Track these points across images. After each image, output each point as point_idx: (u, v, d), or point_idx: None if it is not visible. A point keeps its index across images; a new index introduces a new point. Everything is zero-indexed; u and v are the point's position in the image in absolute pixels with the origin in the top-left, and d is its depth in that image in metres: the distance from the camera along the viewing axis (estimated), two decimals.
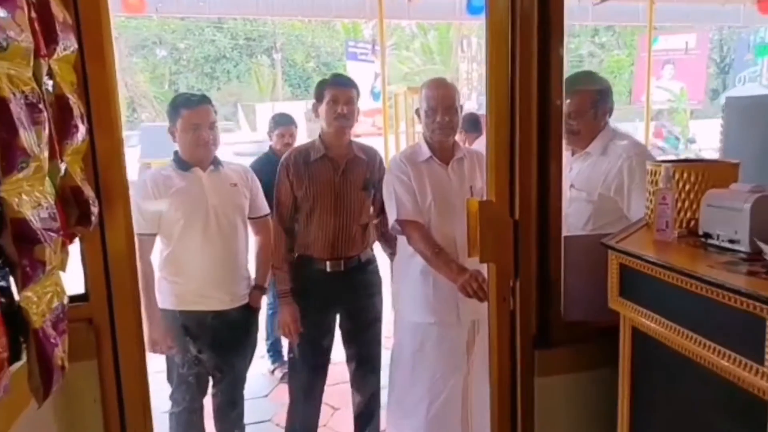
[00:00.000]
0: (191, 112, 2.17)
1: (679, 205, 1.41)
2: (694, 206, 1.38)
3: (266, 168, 3.13)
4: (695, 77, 17.14)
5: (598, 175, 2.04)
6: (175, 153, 2.27)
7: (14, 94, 0.89)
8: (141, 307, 1.42)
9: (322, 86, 2.34)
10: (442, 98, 2.14)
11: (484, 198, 1.66)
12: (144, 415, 1.42)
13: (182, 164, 2.23)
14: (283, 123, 3.55)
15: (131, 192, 1.97)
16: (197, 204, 2.19)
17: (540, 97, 1.57)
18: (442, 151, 2.22)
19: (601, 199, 2.02)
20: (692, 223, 1.38)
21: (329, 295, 2.35)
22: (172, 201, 2.16)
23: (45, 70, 1.08)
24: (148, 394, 1.41)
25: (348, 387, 2.63)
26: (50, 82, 1.14)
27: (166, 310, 2.20)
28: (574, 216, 2.08)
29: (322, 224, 2.29)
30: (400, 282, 2.31)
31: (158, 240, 2.23)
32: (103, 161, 1.32)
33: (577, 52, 22.97)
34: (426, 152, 2.22)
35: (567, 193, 2.10)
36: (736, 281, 1.02)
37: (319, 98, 2.34)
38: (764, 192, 1.21)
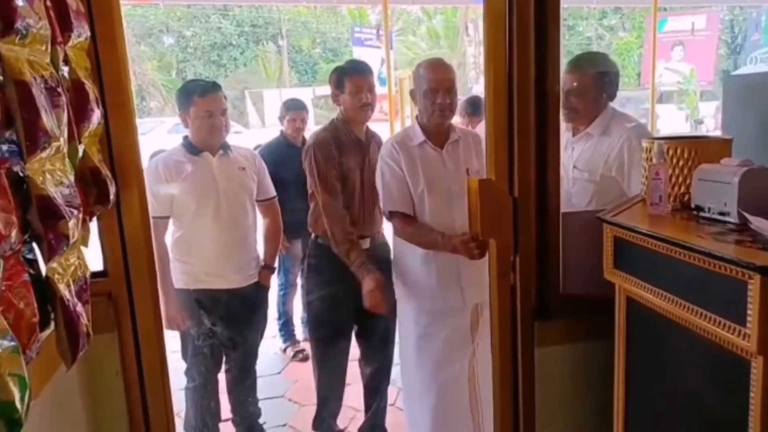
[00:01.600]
0: (204, 100, 2.23)
1: (673, 180, 1.45)
2: (687, 181, 1.42)
3: (277, 151, 3.21)
4: (705, 58, 16.95)
5: (600, 155, 2.05)
6: (185, 138, 2.35)
7: (35, 79, 0.95)
8: (157, 283, 1.48)
9: (341, 75, 2.33)
10: (442, 80, 2.06)
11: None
12: (163, 385, 1.49)
13: (192, 149, 2.30)
14: (294, 108, 3.60)
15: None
16: (208, 188, 2.26)
17: (537, 79, 1.61)
18: (437, 134, 2.16)
19: (603, 179, 2.04)
20: (686, 197, 1.43)
21: (351, 276, 2.26)
22: (183, 185, 2.23)
23: (62, 56, 1.14)
24: (166, 365, 1.49)
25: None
26: (66, 68, 1.20)
27: (179, 290, 2.28)
28: (578, 197, 2.10)
29: (352, 204, 2.32)
30: (401, 269, 2.27)
31: (170, 222, 2.30)
32: (118, 144, 1.38)
33: (585, 35, 22.74)
34: (419, 136, 2.15)
35: (570, 173, 2.13)
36: (722, 249, 1.07)
37: (339, 87, 2.33)
38: (752, 166, 1.25)
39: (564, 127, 2.14)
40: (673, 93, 16.79)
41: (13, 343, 0.77)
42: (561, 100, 1.85)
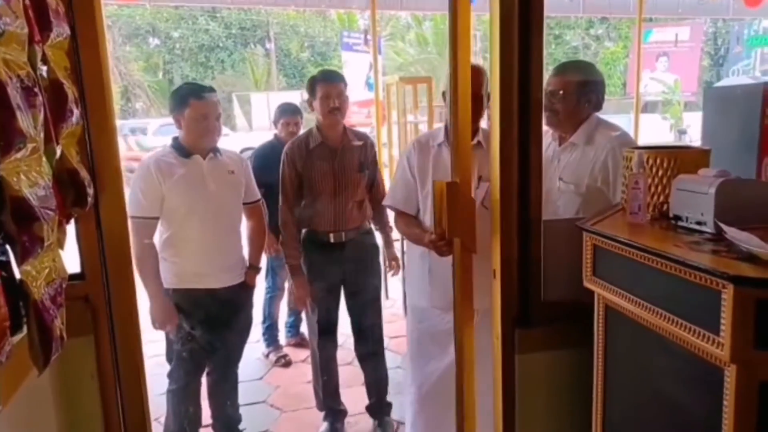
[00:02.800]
0: (200, 102, 2.24)
1: (653, 189, 1.47)
2: (666, 190, 1.44)
3: (271, 154, 3.21)
4: (689, 69, 17.23)
5: (585, 166, 2.03)
6: (175, 139, 2.34)
7: (11, 78, 0.94)
8: (135, 285, 1.47)
9: (313, 82, 2.58)
10: (476, 85, 1.92)
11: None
12: (140, 389, 1.47)
13: (183, 151, 2.30)
14: (289, 112, 3.64)
15: (133, 176, 2.04)
16: (198, 190, 2.27)
17: (521, 86, 1.62)
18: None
19: (589, 190, 2.02)
20: (664, 206, 1.45)
21: (333, 261, 2.63)
22: (173, 187, 2.23)
23: (39, 56, 1.12)
24: (143, 368, 1.47)
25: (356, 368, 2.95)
26: (44, 68, 1.18)
27: (167, 289, 2.28)
28: (564, 209, 2.07)
29: (324, 202, 2.58)
30: (407, 265, 2.44)
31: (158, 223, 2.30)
32: (97, 145, 1.36)
33: (572, 44, 22.98)
34: (442, 136, 2.18)
35: (556, 185, 2.13)
36: (697, 259, 1.08)
37: (311, 93, 2.58)
38: (728, 177, 1.27)
39: (551, 137, 2.15)
40: (657, 103, 17.04)
41: None
42: (543, 102, 1.82)
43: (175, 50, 20.37)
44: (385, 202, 2.38)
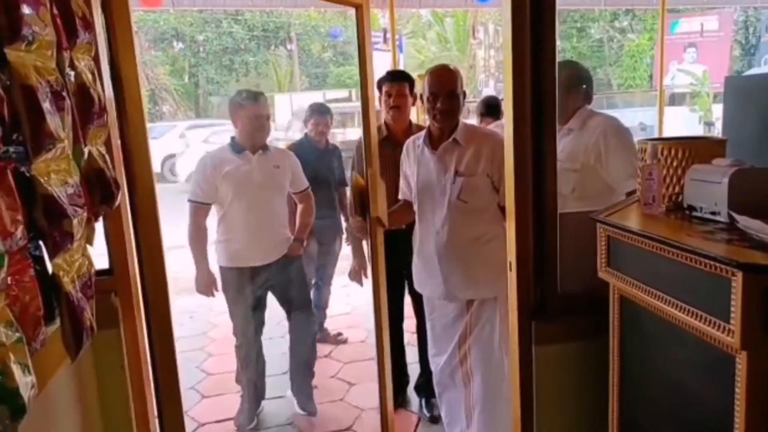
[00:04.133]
0: (252, 105, 2.71)
1: (667, 180, 1.47)
2: (681, 181, 1.44)
3: (301, 152, 3.36)
4: (718, 59, 16.85)
5: (580, 146, 2.22)
6: (232, 138, 2.79)
7: (41, 84, 1.00)
8: (167, 280, 1.54)
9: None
10: (442, 84, 2.19)
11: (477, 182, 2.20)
12: (171, 378, 1.54)
13: (237, 147, 2.73)
14: (320, 112, 3.77)
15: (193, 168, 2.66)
16: (245, 181, 2.68)
17: (534, 82, 1.64)
18: (438, 137, 2.29)
19: (584, 167, 2.21)
20: (679, 197, 1.44)
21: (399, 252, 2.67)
22: (225, 178, 2.65)
23: (67, 62, 1.18)
24: (174, 359, 1.54)
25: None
26: (72, 73, 1.24)
27: (223, 267, 2.76)
28: (561, 185, 2.18)
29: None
30: (415, 258, 2.50)
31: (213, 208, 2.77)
32: (132, 148, 1.44)
33: (596, 37, 22.64)
34: (424, 137, 2.33)
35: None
36: (709, 248, 1.09)
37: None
38: (741, 166, 1.27)
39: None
40: (685, 95, 16.69)
41: (18, 334, 0.81)
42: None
43: (200, 53, 20.71)
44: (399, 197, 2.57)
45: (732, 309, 1.00)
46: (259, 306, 2.86)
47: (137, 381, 1.48)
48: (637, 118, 13.37)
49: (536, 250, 1.72)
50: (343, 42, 20.96)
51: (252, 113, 2.69)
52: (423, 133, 2.38)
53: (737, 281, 0.98)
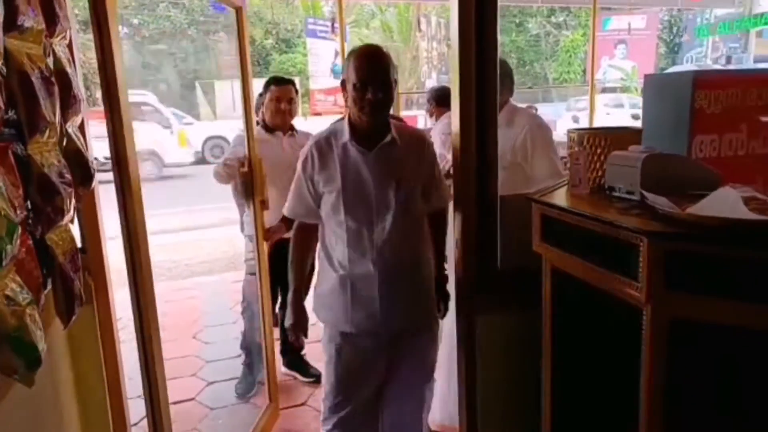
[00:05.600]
0: (275, 88, 3.04)
1: (591, 165, 1.68)
2: (603, 166, 1.66)
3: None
4: (646, 56, 17.84)
5: (507, 143, 2.30)
6: (263, 120, 3.09)
7: (33, 70, 1.08)
8: (150, 258, 1.65)
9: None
10: (375, 70, 1.76)
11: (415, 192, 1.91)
12: (156, 346, 1.69)
13: (267, 128, 3.07)
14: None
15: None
16: (277, 158, 2.92)
17: (478, 73, 1.81)
18: (368, 134, 1.83)
19: (512, 165, 2.31)
20: (602, 179, 1.66)
21: None
22: (261, 153, 2.79)
23: (48, 49, 1.26)
24: (157, 327, 1.69)
25: None
26: (51, 59, 1.31)
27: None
28: None
29: None
30: (319, 285, 2.03)
31: None
32: (117, 133, 1.51)
33: (534, 32, 23.41)
34: (346, 134, 1.85)
35: None
36: (622, 220, 1.30)
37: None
38: (652, 152, 1.49)
39: None
40: (616, 89, 17.70)
41: (30, 296, 0.91)
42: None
43: (136, 37, 19.94)
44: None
45: (640, 269, 1.21)
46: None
47: (110, 351, 1.56)
48: (572, 109, 14.04)
49: (478, 229, 1.91)
50: (287, 29, 20.73)
51: (273, 96, 3.02)
52: (339, 128, 1.90)
53: (643, 246, 1.19)
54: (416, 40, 19.43)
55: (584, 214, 1.40)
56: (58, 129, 1.18)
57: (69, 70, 1.36)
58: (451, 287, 2.10)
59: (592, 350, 1.55)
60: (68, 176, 1.18)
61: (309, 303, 2.07)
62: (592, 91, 5.65)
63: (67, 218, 1.15)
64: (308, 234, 1.98)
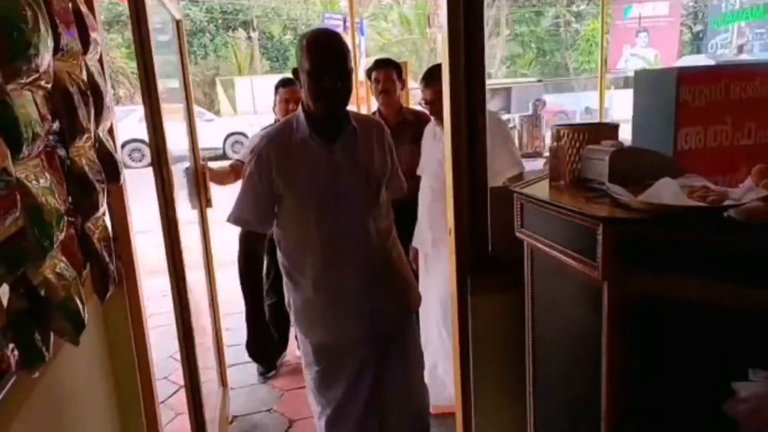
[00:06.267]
0: (283, 90, 3.15)
1: (570, 158, 1.84)
2: (580, 159, 1.81)
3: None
4: (669, 44, 17.62)
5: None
6: (276, 120, 3.14)
7: (72, 86, 1.28)
8: (180, 244, 1.88)
9: (369, 70, 3.31)
10: (332, 57, 1.64)
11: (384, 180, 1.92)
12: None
13: None
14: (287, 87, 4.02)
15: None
16: None
17: (467, 72, 1.97)
18: (327, 126, 1.72)
19: None
20: (579, 172, 1.82)
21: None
22: None
23: (84, 65, 1.46)
24: (188, 305, 1.98)
25: None
26: (86, 74, 1.51)
27: None
28: None
29: None
30: (293, 301, 1.89)
31: None
32: (157, 133, 1.71)
33: (554, 22, 23.27)
34: (304, 128, 1.70)
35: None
36: (587, 209, 1.46)
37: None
38: (620, 147, 1.64)
39: (433, 123, 2.54)
40: None
41: (75, 273, 1.11)
42: (428, 109, 2.38)
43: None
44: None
45: (598, 251, 1.37)
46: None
47: (138, 329, 1.78)
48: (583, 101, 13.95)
49: (471, 217, 2.08)
50: (304, 24, 20.95)
51: (282, 98, 3.15)
52: (287, 125, 1.77)
53: (600, 230, 1.35)
54: (434, 32, 19.50)
55: (552, 203, 1.56)
56: (93, 134, 1.39)
57: (100, 82, 1.56)
58: (444, 274, 2.23)
59: (563, 321, 1.71)
60: (101, 175, 1.38)
61: None
62: (601, 82, 5.73)
63: (101, 210, 1.36)
64: (258, 242, 1.90)
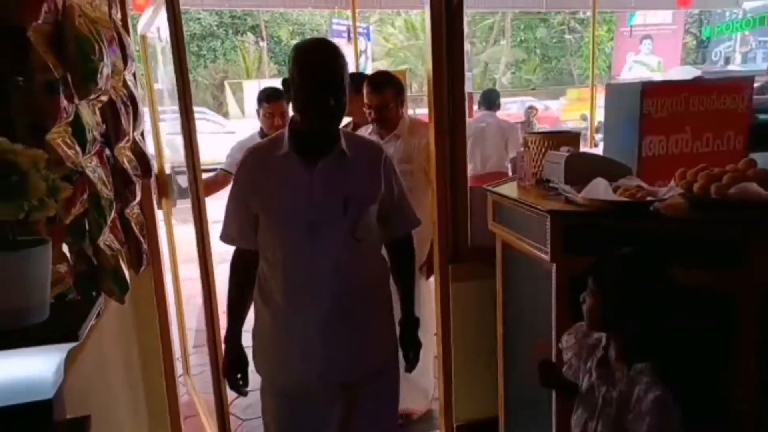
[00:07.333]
0: (268, 105, 2.99)
1: (537, 162, 2.12)
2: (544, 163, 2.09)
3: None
4: (672, 51, 17.84)
5: (410, 151, 2.58)
6: (261, 129, 3.08)
7: (117, 98, 1.58)
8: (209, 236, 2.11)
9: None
10: (326, 71, 1.44)
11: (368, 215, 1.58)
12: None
13: (264, 137, 2.88)
14: (272, 98, 3.56)
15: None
16: None
17: (450, 82, 2.26)
18: (314, 145, 1.51)
19: (418, 167, 2.56)
20: (542, 174, 2.09)
21: None
22: None
23: (123, 79, 1.75)
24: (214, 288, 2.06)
25: None
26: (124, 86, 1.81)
27: None
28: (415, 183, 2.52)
29: None
30: (254, 325, 1.67)
31: None
32: (190, 131, 1.94)
33: (559, 28, 23.54)
34: (286, 144, 1.51)
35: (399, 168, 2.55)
36: (540, 204, 1.74)
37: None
38: (574, 152, 1.92)
39: (372, 131, 2.65)
40: None
41: (120, 248, 1.40)
42: (372, 117, 2.49)
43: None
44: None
45: (548, 238, 1.65)
46: None
47: (162, 303, 2.07)
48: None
49: (453, 213, 2.36)
50: (312, 29, 21.30)
51: (266, 112, 3.01)
52: (278, 138, 1.56)
53: (548, 221, 1.63)
54: None
55: (516, 199, 1.84)
56: (131, 137, 1.68)
57: (135, 92, 1.86)
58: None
59: (526, 301, 1.98)
60: (138, 170, 1.68)
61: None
62: (593, 91, 6.00)
63: (137, 199, 1.65)
64: (250, 261, 1.59)
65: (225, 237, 1.61)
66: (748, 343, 1.48)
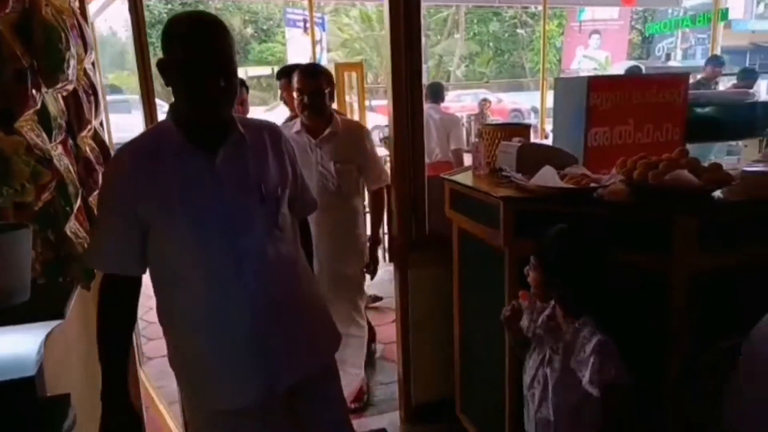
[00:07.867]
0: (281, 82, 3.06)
1: (491, 152, 2.22)
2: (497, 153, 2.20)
3: None
4: (619, 46, 18.46)
5: (347, 150, 2.56)
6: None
7: (80, 86, 1.58)
8: None
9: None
10: (214, 48, 1.25)
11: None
12: None
13: (292, 119, 2.91)
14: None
15: None
16: None
17: (408, 80, 2.33)
18: (206, 133, 1.31)
19: (354, 165, 2.58)
20: (495, 163, 2.20)
21: None
22: None
23: (83, 69, 1.75)
24: None
25: None
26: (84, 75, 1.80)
27: None
28: (347, 185, 2.59)
29: None
30: (172, 358, 1.47)
31: None
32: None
33: (512, 22, 23.97)
34: (175, 137, 1.30)
35: (330, 168, 2.54)
36: (493, 191, 1.84)
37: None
38: (525, 143, 2.04)
39: (298, 132, 2.58)
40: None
41: (86, 235, 1.42)
42: (304, 103, 2.41)
43: (112, 28, 20.05)
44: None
45: (501, 223, 1.75)
46: None
47: None
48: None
49: (412, 203, 2.44)
50: (265, 18, 20.99)
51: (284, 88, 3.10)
52: (162, 132, 1.35)
53: (501, 206, 1.74)
54: None
55: (471, 186, 1.94)
56: (92, 125, 1.69)
57: (95, 81, 1.85)
58: None
59: (480, 283, 2.09)
60: (100, 158, 1.69)
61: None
62: (543, 84, 6.21)
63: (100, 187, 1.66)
64: (127, 293, 1.34)
65: (98, 262, 1.31)
66: (679, 319, 1.61)
